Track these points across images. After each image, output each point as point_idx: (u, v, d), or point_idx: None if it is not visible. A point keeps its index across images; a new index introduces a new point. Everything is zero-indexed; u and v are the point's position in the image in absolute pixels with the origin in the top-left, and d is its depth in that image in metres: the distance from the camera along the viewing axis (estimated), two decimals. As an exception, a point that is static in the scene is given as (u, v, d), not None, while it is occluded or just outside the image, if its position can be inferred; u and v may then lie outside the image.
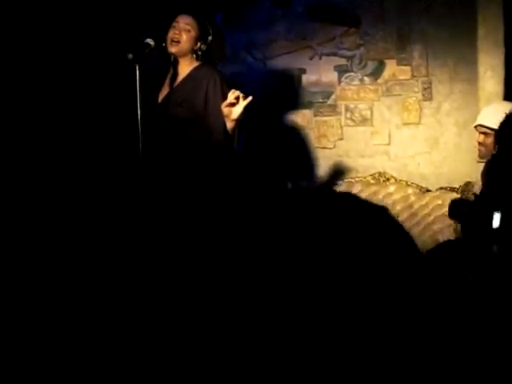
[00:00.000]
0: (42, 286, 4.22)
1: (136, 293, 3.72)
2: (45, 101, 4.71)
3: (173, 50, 4.00)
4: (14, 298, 4.06)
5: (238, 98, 3.74)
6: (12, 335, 3.80)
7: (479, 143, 3.98)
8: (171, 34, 4.01)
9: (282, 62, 5.46)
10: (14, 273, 4.20)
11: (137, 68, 3.59)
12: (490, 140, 3.92)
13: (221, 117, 3.81)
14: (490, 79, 4.78)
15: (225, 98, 3.89)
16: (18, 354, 3.63)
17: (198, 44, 4.07)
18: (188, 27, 4.02)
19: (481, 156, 4.06)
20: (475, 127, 4.01)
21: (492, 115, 3.93)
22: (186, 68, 4.06)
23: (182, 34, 4.00)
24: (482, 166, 4.37)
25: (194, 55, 4.08)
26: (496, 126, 3.88)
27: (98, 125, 4.86)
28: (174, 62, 4.08)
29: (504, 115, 3.82)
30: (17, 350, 3.69)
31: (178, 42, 4.00)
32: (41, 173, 4.60)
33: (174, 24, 4.03)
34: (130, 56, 3.62)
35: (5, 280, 4.13)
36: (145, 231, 3.66)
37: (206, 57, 4.12)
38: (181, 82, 4.05)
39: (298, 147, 5.48)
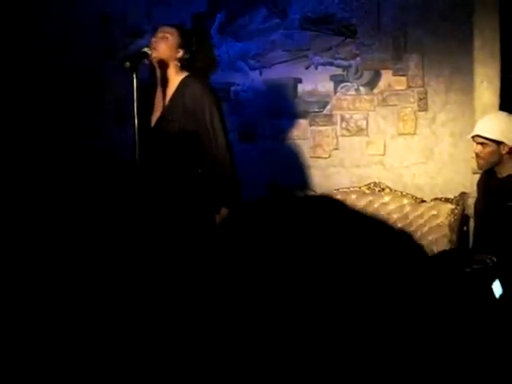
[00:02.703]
0: (42, 286, 4.20)
1: (133, 297, 3.70)
2: (41, 105, 4.70)
3: (153, 54, 3.95)
4: (14, 298, 4.03)
5: None
6: (12, 335, 3.78)
7: (476, 154, 3.98)
8: (151, 43, 3.98)
9: (278, 71, 5.46)
10: (14, 273, 4.18)
11: (134, 76, 3.58)
12: (487, 150, 3.93)
13: (208, 140, 3.83)
14: (486, 90, 4.79)
15: (211, 113, 3.87)
16: (18, 354, 3.61)
17: (181, 52, 4.01)
18: (166, 35, 3.98)
19: (479, 167, 4.07)
20: (472, 138, 4.01)
21: (489, 126, 3.93)
22: (172, 80, 3.99)
23: (160, 42, 3.97)
24: (477, 176, 4.38)
25: (179, 64, 4.01)
26: (493, 137, 3.89)
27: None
28: (161, 74, 3.98)
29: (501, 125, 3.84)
30: (17, 349, 3.66)
31: (156, 49, 3.96)
32: (36, 179, 4.57)
33: (154, 34, 4.02)
34: (128, 64, 3.60)
35: (5, 280, 4.10)
36: (141, 239, 3.64)
37: (191, 66, 4.06)
38: (171, 97, 3.97)
39: (293, 157, 5.48)
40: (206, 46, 4.52)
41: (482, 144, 3.94)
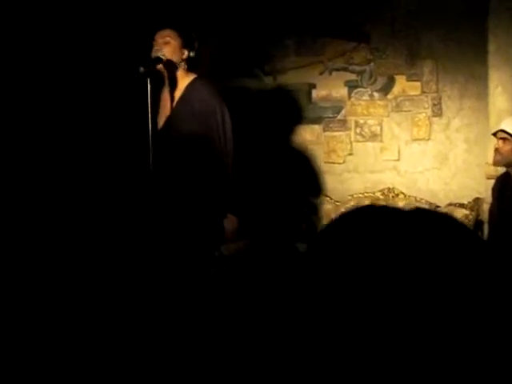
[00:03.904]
0: (42, 286, 4.22)
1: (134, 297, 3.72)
2: (54, 110, 4.72)
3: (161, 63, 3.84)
4: (14, 298, 4.05)
5: None
6: (12, 335, 3.80)
7: (496, 149, 4.03)
8: (153, 53, 3.84)
9: (292, 77, 5.47)
10: (14, 273, 4.20)
11: (148, 82, 3.58)
12: (508, 147, 3.97)
13: (213, 148, 3.81)
14: (501, 96, 4.78)
15: (222, 114, 3.83)
16: (18, 354, 3.63)
17: (186, 52, 3.92)
18: (167, 39, 3.84)
19: (495, 162, 4.10)
20: (495, 133, 4.06)
21: None
22: (180, 83, 3.88)
23: (163, 47, 3.83)
24: (491, 182, 4.37)
25: (186, 66, 3.93)
26: None
27: (107, 135, 4.87)
28: (170, 77, 3.91)
29: None
30: (17, 349, 3.68)
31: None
32: (46, 180, 4.60)
33: (153, 42, 3.87)
34: (142, 70, 3.60)
35: (5, 280, 4.12)
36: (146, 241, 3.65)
37: (198, 66, 3.98)
38: (178, 100, 3.90)
39: (307, 162, 5.48)
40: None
41: (503, 139, 3.98)
